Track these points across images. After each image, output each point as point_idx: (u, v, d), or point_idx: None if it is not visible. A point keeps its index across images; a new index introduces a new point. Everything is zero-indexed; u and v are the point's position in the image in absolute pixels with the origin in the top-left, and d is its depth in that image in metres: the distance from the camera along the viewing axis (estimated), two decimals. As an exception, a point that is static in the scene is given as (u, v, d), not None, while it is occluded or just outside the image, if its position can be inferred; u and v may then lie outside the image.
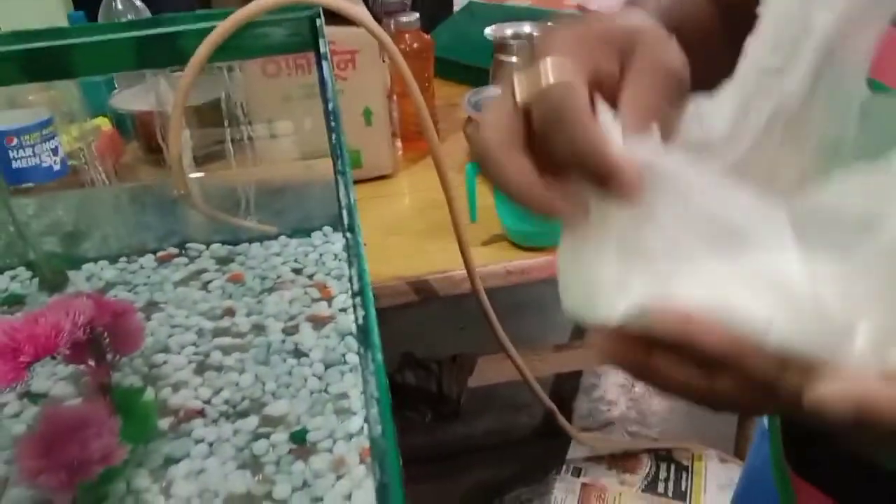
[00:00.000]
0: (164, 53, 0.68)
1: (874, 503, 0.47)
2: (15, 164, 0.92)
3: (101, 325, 0.55)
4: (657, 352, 0.30)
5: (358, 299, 0.28)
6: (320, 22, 0.69)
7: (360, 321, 0.27)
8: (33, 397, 0.61)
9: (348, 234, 0.34)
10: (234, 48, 0.68)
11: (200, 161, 1.04)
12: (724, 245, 0.30)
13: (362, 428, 0.59)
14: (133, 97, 1.13)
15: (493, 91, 1.16)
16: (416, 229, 0.99)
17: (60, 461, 0.48)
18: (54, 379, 0.62)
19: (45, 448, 0.49)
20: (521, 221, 0.93)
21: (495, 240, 0.97)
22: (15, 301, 0.73)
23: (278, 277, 0.77)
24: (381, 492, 0.19)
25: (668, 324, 0.29)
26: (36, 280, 0.75)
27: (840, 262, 0.29)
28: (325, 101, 0.76)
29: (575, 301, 0.33)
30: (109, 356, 0.58)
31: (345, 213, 0.35)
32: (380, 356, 0.24)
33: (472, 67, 1.36)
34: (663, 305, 0.29)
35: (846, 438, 0.29)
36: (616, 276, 0.32)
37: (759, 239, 0.30)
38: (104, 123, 1.11)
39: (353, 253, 0.32)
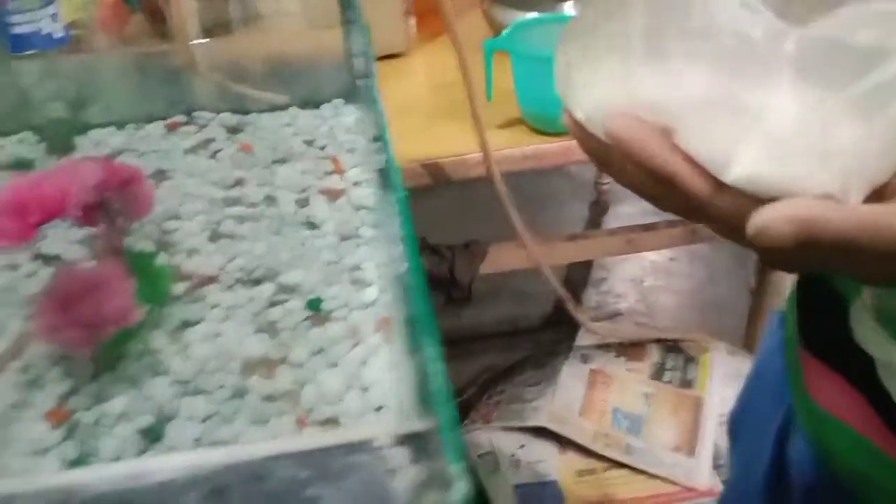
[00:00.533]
0: None
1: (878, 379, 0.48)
2: (15, 30, 0.89)
3: (110, 188, 0.54)
4: (614, 150, 0.31)
5: (378, 144, 0.27)
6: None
7: (382, 165, 0.26)
8: (47, 259, 0.61)
9: (363, 79, 0.31)
10: None
11: (206, 30, 1.00)
12: (714, 59, 0.29)
13: (377, 299, 0.59)
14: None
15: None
16: (430, 111, 0.97)
17: (76, 319, 0.48)
18: (67, 241, 0.61)
19: (61, 306, 0.48)
20: (540, 104, 0.91)
21: (512, 123, 0.94)
22: (22, 165, 0.72)
23: (289, 148, 0.75)
24: (412, 324, 0.19)
25: (617, 132, 0.29)
26: (43, 145, 0.73)
27: (835, 95, 0.27)
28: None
29: (560, 84, 0.34)
30: (120, 220, 0.57)
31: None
32: (403, 194, 0.23)
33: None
34: (619, 111, 0.30)
35: (787, 264, 0.31)
36: (590, 69, 0.32)
37: (753, 61, 0.28)
38: (106, -11, 1.06)
39: (369, 97, 0.30)
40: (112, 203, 0.55)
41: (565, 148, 0.89)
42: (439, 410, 0.16)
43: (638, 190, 0.32)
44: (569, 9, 1.08)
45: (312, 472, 0.14)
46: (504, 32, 0.97)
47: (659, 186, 0.30)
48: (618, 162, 0.31)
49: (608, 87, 0.31)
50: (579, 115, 0.32)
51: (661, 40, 0.30)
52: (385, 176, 0.25)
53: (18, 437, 0.49)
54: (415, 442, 0.15)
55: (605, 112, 0.30)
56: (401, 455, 0.15)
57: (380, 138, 0.27)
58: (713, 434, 1.02)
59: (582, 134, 0.33)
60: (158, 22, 1.04)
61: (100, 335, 0.49)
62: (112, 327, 0.50)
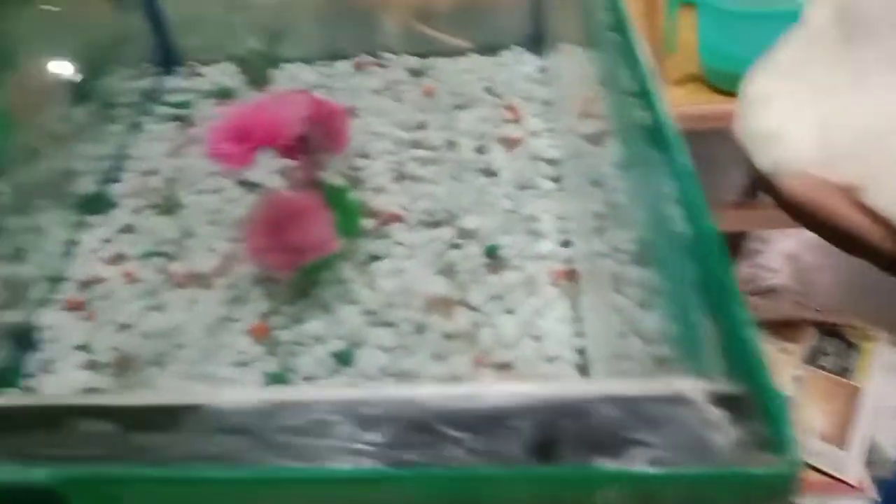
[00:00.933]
0: None
1: None
2: None
3: (317, 122, 0.56)
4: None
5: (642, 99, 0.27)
6: None
7: (650, 121, 0.26)
8: (249, 185, 0.65)
9: (617, 33, 0.31)
10: None
11: None
12: None
13: (554, 252, 0.60)
14: None
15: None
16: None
17: (284, 244, 0.52)
18: (267, 171, 0.65)
19: (271, 230, 0.52)
20: (724, 61, 0.87)
21: (689, 80, 0.90)
22: (225, 94, 0.77)
23: (469, 94, 0.76)
24: (711, 286, 0.19)
25: (800, 193, 0.30)
26: (242, 76, 0.78)
27: None
28: None
29: (744, 123, 0.32)
30: (319, 154, 0.60)
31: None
32: (683, 154, 0.23)
33: None
34: (800, 171, 0.29)
35: None
36: (781, 112, 0.31)
37: None
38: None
39: (628, 52, 0.30)
40: (314, 137, 0.58)
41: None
42: (756, 375, 0.16)
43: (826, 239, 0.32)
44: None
45: (632, 417, 0.15)
46: (692, -15, 0.92)
47: (844, 243, 0.31)
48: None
49: (799, 135, 0.31)
50: (764, 165, 0.31)
51: (868, 80, 0.29)
52: (654, 131, 0.25)
53: (226, 347, 0.54)
54: (730, 403, 0.16)
55: (789, 169, 0.30)
56: (718, 414, 0.16)
57: (644, 93, 0.27)
58: (869, 428, 0.97)
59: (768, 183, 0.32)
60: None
61: (302, 259, 0.53)
62: (313, 254, 0.53)
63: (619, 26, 0.31)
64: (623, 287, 0.49)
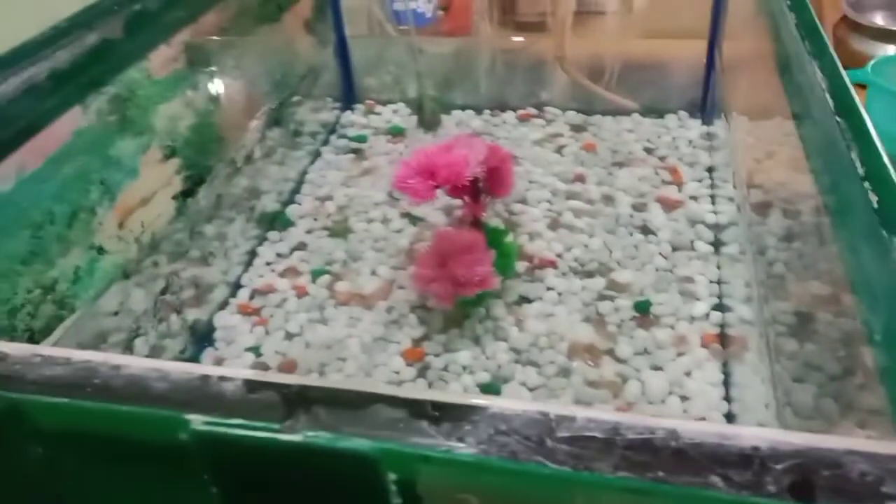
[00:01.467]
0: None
1: None
2: (395, 6, 0.99)
3: (489, 166, 0.60)
4: None
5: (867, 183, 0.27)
6: None
7: (878, 205, 0.26)
8: (413, 219, 0.69)
9: (841, 118, 0.32)
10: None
11: (523, 28, 1.03)
12: None
13: (707, 315, 0.59)
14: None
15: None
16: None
17: (449, 275, 0.55)
18: (431, 206, 0.69)
19: (439, 262, 0.55)
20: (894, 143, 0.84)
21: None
22: (397, 132, 0.82)
23: (629, 153, 0.78)
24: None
25: None
26: (414, 117, 0.83)
27: None
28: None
29: None
30: (484, 196, 0.63)
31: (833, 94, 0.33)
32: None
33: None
34: None
35: None
36: None
37: None
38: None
39: (859, 134, 0.30)
40: (481, 180, 0.61)
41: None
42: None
43: None
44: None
45: (886, 473, 0.16)
46: (869, 65, 0.90)
47: None
48: None
49: None
50: None
51: None
52: (883, 213, 0.26)
53: (381, 365, 0.57)
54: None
55: None
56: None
57: (878, 173, 0.27)
58: None
59: None
60: (506, 12, 1.12)
61: (463, 292, 0.55)
62: (474, 289, 0.56)
63: (847, 109, 0.32)
64: (779, 357, 0.48)
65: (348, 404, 0.19)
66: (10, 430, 0.20)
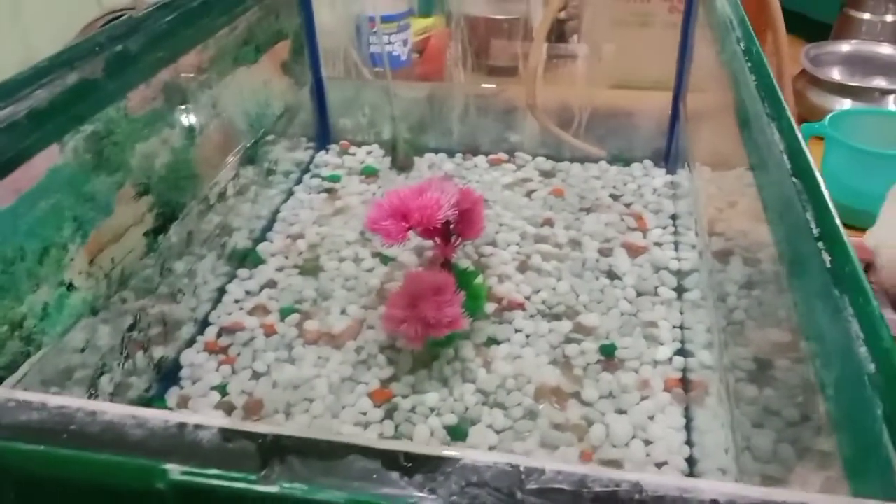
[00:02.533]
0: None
1: None
2: (372, 48, 1.01)
3: (461, 209, 0.61)
4: None
5: (821, 244, 0.29)
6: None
7: (830, 265, 0.28)
8: (384, 258, 0.70)
9: (796, 179, 0.33)
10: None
11: (491, 72, 1.06)
12: None
13: (670, 359, 0.61)
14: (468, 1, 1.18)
15: (833, 46, 1.08)
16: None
17: (420, 317, 0.55)
18: (402, 247, 0.70)
19: (410, 303, 0.56)
20: (849, 196, 0.87)
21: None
22: (370, 173, 0.83)
23: (596, 199, 0.80)
24: None
25: None
26: (387, 159, 0.84)
27: None
28: (685, 35, 0.75)
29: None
30: (454, 238, 0.64)
31: (788, 155, 0.35)
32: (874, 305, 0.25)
33: (812, 20, 1.26)
34: None
35: None
36: None
37: None
38: (439, 23, 1.18)
39: (814, 196, 0.32)
40: (455, 222, 0.63)
41: (861, 246, 0.85)
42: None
43: None
44: (893, 103, 1.02)
45: None
46: (826, 118, 0.94)
47: None
48: None
49: None
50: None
51: None
52: (837, 275, 0.27)
53: (349, 406, 0.57)
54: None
55: None
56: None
57: (829, 237, 0.29)
58: None
59: None
60: (478, 56, 1.14)
61: (433, 334, 0.56)
62: (444, 330, 0.56)
63: (802, 171, 0.34)
64: (738, 403, 0.49)
65: (323, 454, 0.19)
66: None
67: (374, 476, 0.18)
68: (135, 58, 0.50)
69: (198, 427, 0.20)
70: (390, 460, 0.19)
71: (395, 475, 0.18)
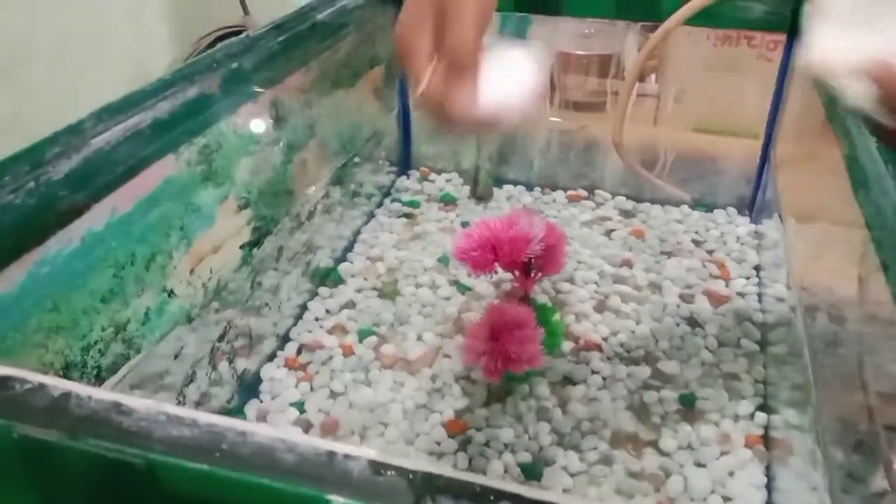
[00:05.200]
0: (642, 7, 0.72)
1: None
2: None
3: (546, 244, 0.60)
4: None
5: None
6: (805, 5, 0.67)
7: None
8: (462, 287, 0.70)
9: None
10: (714, 15, 0.69)
11: (577, 107, 1.05)
12: None
13: (752, 415, 0.59)
14: (548, 34, 1.18)
15: None
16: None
17: (500, 350, 0.55)
18: (481, 279, 0.70)
19: (491, 336, 0.56)
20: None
21: None
22: (449, 200, 0.84)
23: (678, 244, 0.78)
24: None
25: None
26: (466, 187, 0.85)
27: None
28: (780, 84, 0.74)
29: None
30: (535, 273, 0.64)
31: None
32: None
33: None
34: None
35: None
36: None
37: None
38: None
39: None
40: (538, 257, 0.62)
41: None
42: None
43: None
44: None
45: None
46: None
47: None
48: None
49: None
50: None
51: None
52: None
53: (423, 434, 0.57)
54: None
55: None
56: None
57: None
58: None
59: None
60: (567, 93, 1.14)
61: (511, 369, 0.56)
62: (522, 366, 0.56)
63: None
64: (821, 467, 0.48)
65: (473, 497, 0.19)
66: (141, 489, 0.20)
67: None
68: (247, 75, 0.51)
69: (347, 457, 0.20)
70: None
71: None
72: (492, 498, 0.19)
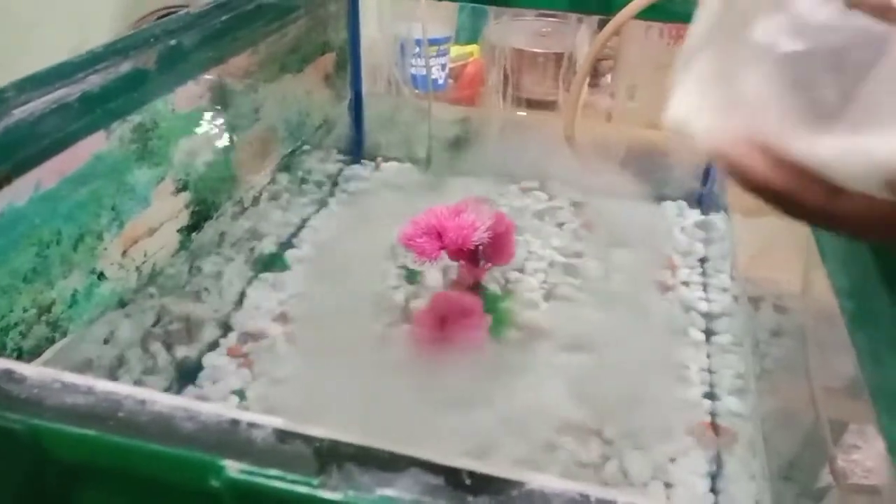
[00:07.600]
0: (594, 1, 0.72)
1: None
2: (412, 70, 1.01)
3: (494, 233, 0.60)
4: None
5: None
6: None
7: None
8: (410, 274, 0.69)
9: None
10: (665, 10, 0.69)
11: (529, 105, 1.05)
12: None
13: (696, 403, 0.59)
14: (504, 32, 1.18)
15: None
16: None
17: (445, 337, 0.55)
18: (429, 266, 0.69)
19: (437, 323, 0.55)
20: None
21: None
22: (400, 190, 0.83)
23: (628, 235, 0.79)
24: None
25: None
26: (419, 177, 0.84)
27: None
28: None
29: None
30: (483, 262, 0.64)
31: None
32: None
33: None
34: None
35: None
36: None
37: None
38: (476, 51, 1.19)
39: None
40: (487, 245, 0.62)
41: None
42: None
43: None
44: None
45: None
46: None
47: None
48: None
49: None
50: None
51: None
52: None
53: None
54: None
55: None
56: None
57: None
58: None
59: None
60: (519, 90, 1.14)
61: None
62: (468, 353, 0.55)
63: None
64: (766, 453, 0.48)
65: (383, 464, 0.18)
66: (26, 457, 0.19)
67: (437, 492, 0.18)
68: (187, 53, 0.50)
69: (252, 425, 0.19)
70: (454, 478, 0.18)
71: (459, 493, 0.18)
72: (400, 464, 0.18)
